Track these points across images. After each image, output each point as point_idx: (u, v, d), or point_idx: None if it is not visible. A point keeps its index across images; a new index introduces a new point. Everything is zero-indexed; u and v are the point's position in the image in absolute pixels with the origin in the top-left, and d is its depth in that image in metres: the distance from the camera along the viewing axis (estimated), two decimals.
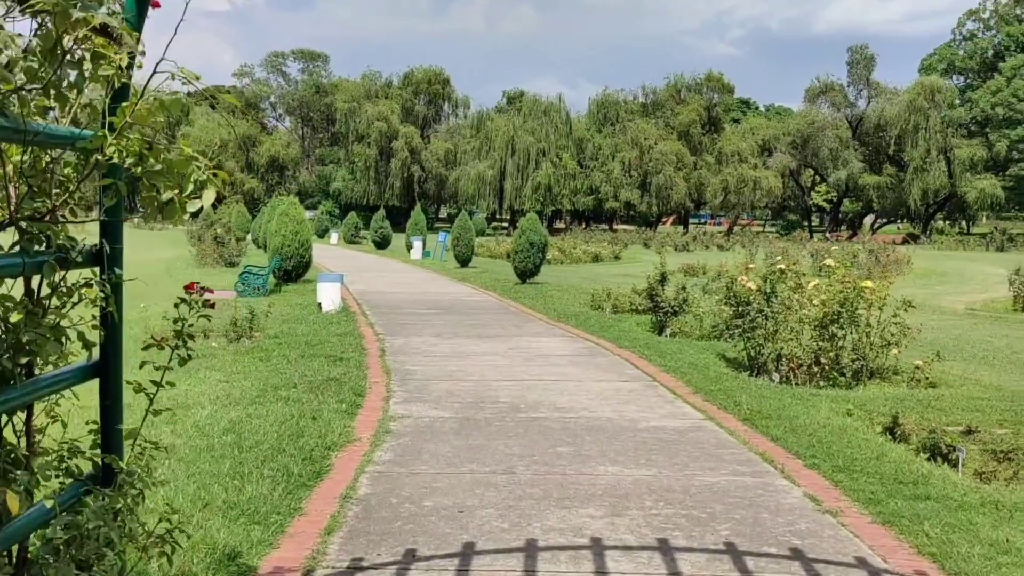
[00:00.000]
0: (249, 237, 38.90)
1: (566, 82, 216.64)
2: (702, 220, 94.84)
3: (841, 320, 9.38)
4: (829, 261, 10.25)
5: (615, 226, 72.94)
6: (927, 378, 9.42)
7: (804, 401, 8.00)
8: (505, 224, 78.19)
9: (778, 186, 64.56)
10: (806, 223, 74.41)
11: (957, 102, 62.80)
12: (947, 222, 78.88)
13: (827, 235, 68.69)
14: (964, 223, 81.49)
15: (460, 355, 10.39)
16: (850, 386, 9.25)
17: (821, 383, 9.27)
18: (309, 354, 9.79)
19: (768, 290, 10.21)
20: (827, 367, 9.39)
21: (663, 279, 13.56)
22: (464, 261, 27.08)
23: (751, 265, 11.73)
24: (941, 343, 12.23)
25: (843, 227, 76.33)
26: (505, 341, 11.70)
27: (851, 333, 9.53)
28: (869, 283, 9.52)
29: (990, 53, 66.16)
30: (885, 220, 74.36)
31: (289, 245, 18.92)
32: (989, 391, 8.99)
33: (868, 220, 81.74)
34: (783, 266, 10.29)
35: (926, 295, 20.92)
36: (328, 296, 14.16)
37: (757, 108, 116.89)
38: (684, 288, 13.48)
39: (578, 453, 6.04)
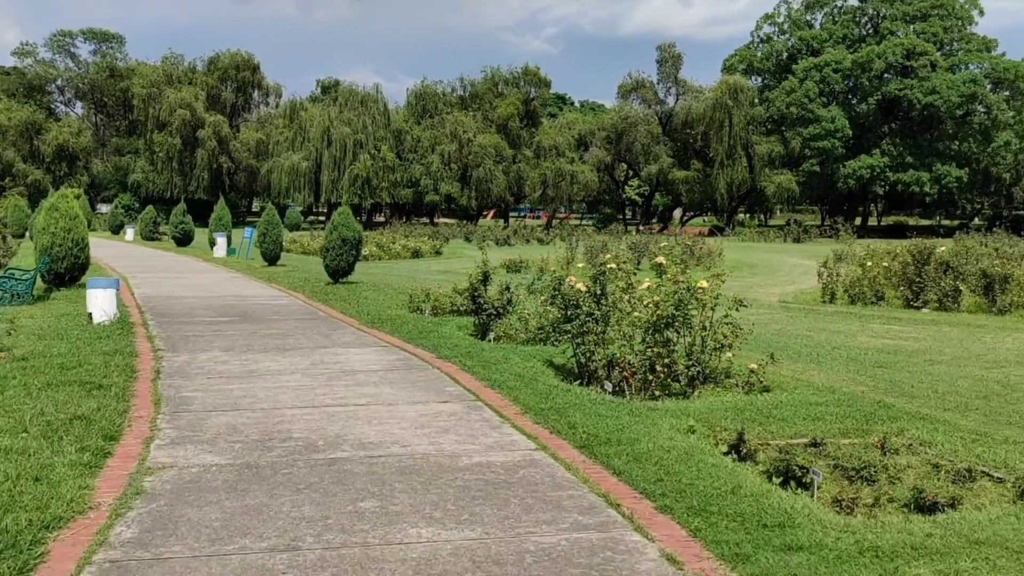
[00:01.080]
0: (28, 235, 34.90)
1: (383, 74, 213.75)
2: (522, 213, 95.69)
3: (676, 323, 8.70)
4: (661, 259, 9.55)
5: (436, 220, 71.95)
6: (761, 382, 8.93)
7: (642, 418, 7.18)
8: (322, 218, 75.36)
9: (594, 180, 65.80)
10: (621, 216, 76.39)
11: (757, 101, 66.24)
12: (748, 215, 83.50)
13: (640, 228, 70.85)
14: (763, 215, 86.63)
15: (252, 375, 8.89)
16: (686, 394, 8.59)
17: (656, 392, 8.56)
18: (60, 381, 7.99)
19: (598, 291, 9.42)
20: (662, 374, 8.69)
21: (485, 279, 12.56)
22: (272, 259, 25.13)
23: (581, 265, 10.92)
24: (765, 340, 11.98)
25: (655, 220, 79.07)
26: (308, 355, 10.29)
27: (686, 337, 8.88)
28: (704, 283, 8.87)
29: (785, 56, 70.31)
30: (693, 213, 77.61)
31: (60, 244, 16.46)
32: (824, 394, 8.57)
33: (677, 213, 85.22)
34: (613, 265, 9.52)
35: (740, 287, 21.17)
36: (100, 304, 12.13)
37: (573, 104, 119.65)
38: (508, 288, 12.53)
39: (385, 510, 4.84)
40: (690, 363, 8.74)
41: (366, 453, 5.97)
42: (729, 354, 9.12)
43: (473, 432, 6.65)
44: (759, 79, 71.87)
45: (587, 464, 5.82)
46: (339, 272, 19.09)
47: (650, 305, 8.87)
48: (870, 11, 68.91)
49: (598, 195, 73.05)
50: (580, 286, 9.39)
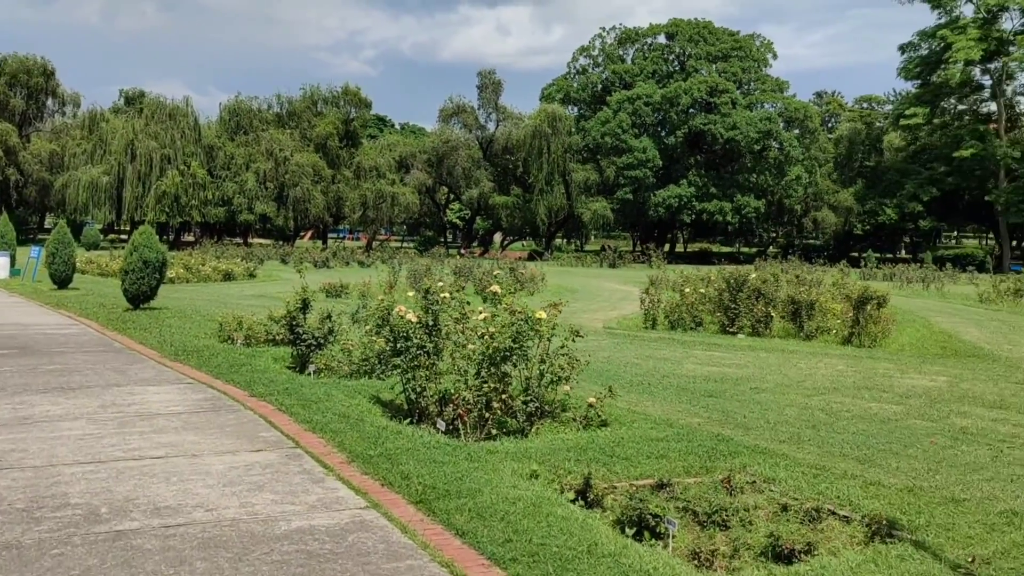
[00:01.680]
0: None
1: (194, 87, 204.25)
2: (341, 235, 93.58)
3: (514, 357, 8.19)
4: (495, 288, 9.05)
5: (250, 240, 68.85)
6: (599, 416, 8.60)
7: (482, 463, 6.60)
8: (124, 236, 70.27)
9: (416, 202, 65.27)
10: (442, 239, 76.23)
11: (574, 130, 68.13)
12: (565, 239, 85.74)
13: (461, 251, 70.96)
14: (579, 241, 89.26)
15: (25, 422, 7.57)
16: (524, 431, 8.10)
17: (493, 430, 8.01)
18: None
19: (430, 322, 8.79)
20: (499, 411, 8.15)
21: (305, 305, 11.61)
22: (62, 282, 22.72)
23: (411, 294, 10.26)
24: (596, 369, 11.77)
25: (475, 243, 79.53)
26: (99, 395, 8.98)
27: (523, 370, 8.40)
28: (542, 313, 8.43)
29: (599, 87, 72.93)
30: (513, 237, 78.65)
31: None
32: (663, 428, 8.34)
33: (498, 237, 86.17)
34: (447, 294, 8.93)
35: (564, 313, 21.20)
36: None
37: (393, 126, 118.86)
38: (330, 317, 11.63)
39: None
40: (528, 398, 8.26)
41: (161, 522, 5.01)
42: (566, 387, 8.73)
43: (292, 488, 5.80)
44: (575, 109, 74.11)
45: (426, 524, 5.15)
46: (140, 297, 17.35)
47: (486, 337, 8.34)
48: (677, 49, 72.77)
49: (419, 217, 72.58)
50: (411, 316, 8.72)
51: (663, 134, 66.99)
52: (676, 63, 72.94)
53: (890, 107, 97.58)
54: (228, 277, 30.25)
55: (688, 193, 64.26)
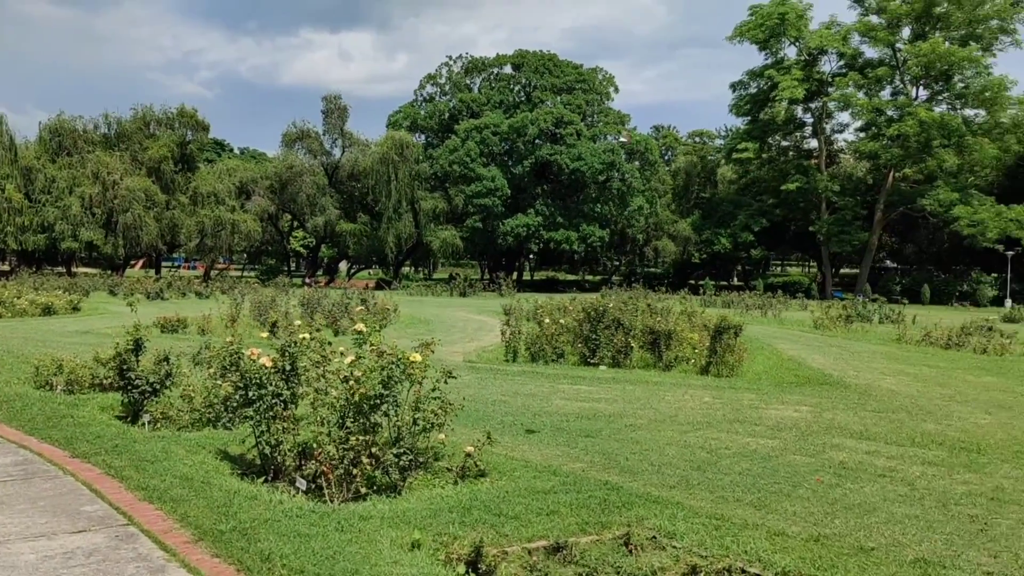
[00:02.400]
0: None
1: (10, 106, 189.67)
2: (176, 263, 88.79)
3: (385, 405, 7.36)
4: (360, 326, 8.17)
5: (75, 269, 63.84)
6: (477, 465, 7.90)
7: (355, 534, 5.74)
8: None
9: (258, 230, 62.60)
10: (286, 268, 73.58)
11: (422, 158, 67.55)
12: (413, 268, 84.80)
13: (306, 280, 68.64)
14: (427, 269, 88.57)
15: None
16: (397, 488, 7.28)
17: (362, 488, 7.14)
18: None
19: (287, 367, 7.83)
20: (369, 466, 7.29)
21: (138, 346, 10.28)
22: None
23: (264, 335, 9.27)
24: (463, 408, 11.08)
25: (321, 272, 77.27)
26: None
27: (395, 418, 7.57)
28: (416, 356, 7.64)
29: (447, 116, 72.84)
30: (360, 266, 76.96)
31: None
32: (547, 477, 7.73)
33: (343, 265, 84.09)
34: (306, 335, 7.99)
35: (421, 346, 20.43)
36: None
37: (232, 150, 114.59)
38: (167, 359, 10.36)
39: None
40: (400, 450, 7.44)
41: None
42: (441, 435, 7.97)
43: None
44: (423, 137, 73.66)
45: None
46: None
47: (351, 383, 7.46)
48: (523, 80, 73.79)
49: (261, 246, 69.71)
50: (265, 361, 7.73)
51: (511, 163, 67.50)
52: (522, 94, 73.92)
53: (721, 141, 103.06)
54: (48, 311, 27.48)
55: (536, 222, 64.90)
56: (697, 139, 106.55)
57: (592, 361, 18.15)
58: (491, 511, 6.46)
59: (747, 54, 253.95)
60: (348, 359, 7.47)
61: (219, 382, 9.55)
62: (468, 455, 7.86)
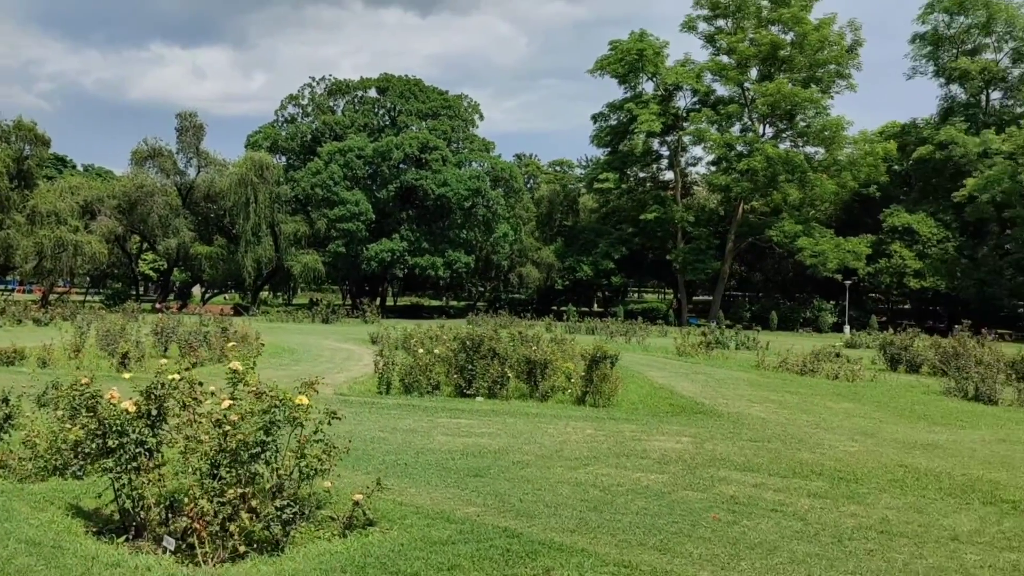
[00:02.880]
0: None
1: None
2: (9, 287, 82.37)
3: (267, 452, 6.71)
4: (236, 364, 7.47)
5: None
6: (365, 514, 7.34)
7: None
8: None
9: (103, 252, 58.80)
10: (134, 292, 69.53)
11: (283, 180, 65.56)
12: (272, 293, 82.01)
13: (157, 305, 65.07)
14: (287, 294, 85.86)
15: None
16: (279, 544, 6.62)
17: (241, 546, 6.44)
18: None
19: (154, 411, 7.04)
20: (248, 520, 6.60)
21: None
22: None
23: (128, 375, 8.40)
24: (340, 446, 10.42)
25: (172, 297, 73.50)
26: None
27: (277, 467, 6.91)
28: (303, 399, 7.01)
29: (309, 137, 71.12)
30: (216, 290, 73.71)
31: None
32: (441, 525, 7.25)
33: (197, 290, 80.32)
34: (176, 375, 7.22)
35: (289, 377, 19.43)
36: None
37: (75, 167, 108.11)
38: (7, 400, 9.22)
39: None
40: (284, 502, 6.78)
41: None
42: (326, 482, 7.35)
43: None
44: (284, 158, 71.60)
45: None
46: None
47: (226, 427, 6.75)
48: (388, 104, 73.11)
49: (107, 268, 65.56)
50: (127, 405, 6.91)
51: (375, 188, 66.49)
52: (387, 118, 73.17)
53: (581, 171, 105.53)
54: None
55: (401, 247, 64.08)
56: (558, 168, 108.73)
57: (468, 392, 17.75)
58: (387, 569, 5.94)
59: (604, 87, 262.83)
60: (225, 403, 6.76)
61: (68, 425, 8.55)
62: (356, 503, 7.29)
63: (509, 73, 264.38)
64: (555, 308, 79.64)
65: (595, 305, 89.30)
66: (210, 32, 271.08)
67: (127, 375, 9.58)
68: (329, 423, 7.35)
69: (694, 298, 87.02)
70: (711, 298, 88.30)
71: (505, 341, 18.76)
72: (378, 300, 69.49)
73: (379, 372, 18.07)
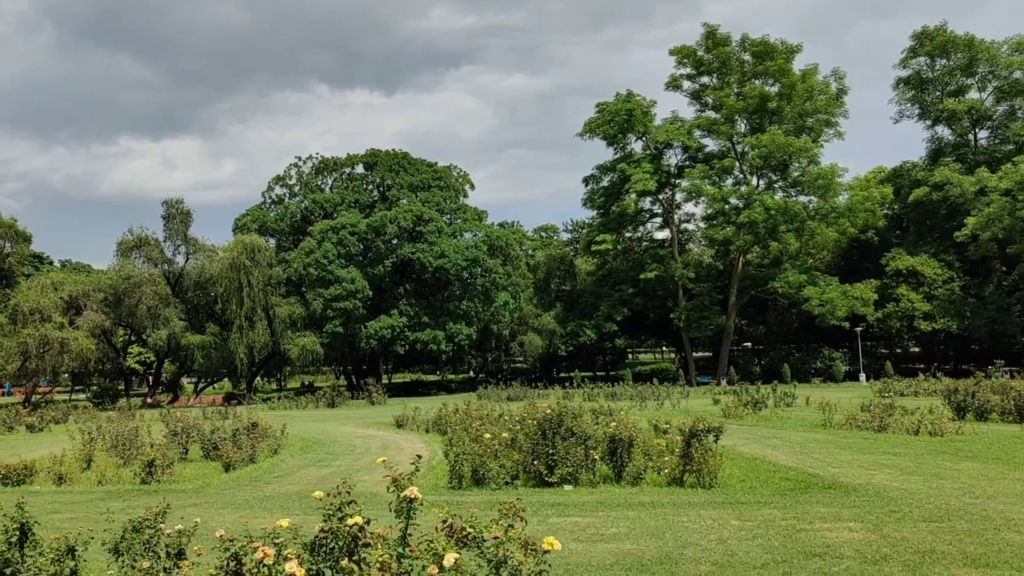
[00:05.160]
0: None
1: None
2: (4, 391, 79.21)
3: None
4: (414, 492, 5.44)
5: None
6: None
7: None
8: None
9: (91, 348, 56.20)
10: (122, 387, 66.58)
11: (274, 262, 63.59)
12: (264, 379, 79.22)
13: (147, 400, 62.22)
14: (280, 379, 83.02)
15: None
16: None
17: None
18: None
19: None
20: None
21: (24, 535, 6.95)
22: None
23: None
24: None
25: (160, 390, 70.56)
26: None
27: None
28: (555, 542, 4.98)
29: (299, 217, 69.41)
30: (209, 380, 70.91)
31: None
32: None
33: (185, 380, 77.31)
34: (359, 519, 5.20)
35: (337, 475, 17.20)
36: None
37: (52, 263, 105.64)
38: (73, 551, 7.04)
39: None
40: None
41: None
42: None
43: None
44: (274, 240, 69.73)
45: None
46: None
47: None
48: (377, 179, 71.81)
49: (94, 364, 62.75)
50: (292, 567, 4.81)
51: (370, 264, 64.63)
52: (376, 192, 71.76)
53: (568, 235, 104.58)
54: None
55: (401, 323, 61.93)
56: (544, 234, 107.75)
57: (550, 480, 15.60)
58: None
59: (575, 153, 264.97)
60: (452, 558, 4.70)
61: None
62: None
63: (477, 145, 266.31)
64: (558, 375, 77.44)
65: (597, 369, 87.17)
66: (178, 124, 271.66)
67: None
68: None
69: (694, 355, 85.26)
70: (709, 354, 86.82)
71: (586, 418, 16.70)
72: (383, 379, 66.97)
73: (451, 464, 15.84)
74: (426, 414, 30.05)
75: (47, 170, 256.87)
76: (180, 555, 7.29)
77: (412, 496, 5.15)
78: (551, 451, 15.78)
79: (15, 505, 7.06)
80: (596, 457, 15.82)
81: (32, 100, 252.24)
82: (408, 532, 5.53)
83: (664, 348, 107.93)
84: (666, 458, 15.97)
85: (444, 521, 5.20)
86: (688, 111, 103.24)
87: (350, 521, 5.02)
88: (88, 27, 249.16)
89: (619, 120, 71.59)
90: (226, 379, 72.19)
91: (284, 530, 5.30)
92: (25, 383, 62.21)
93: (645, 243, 78.14)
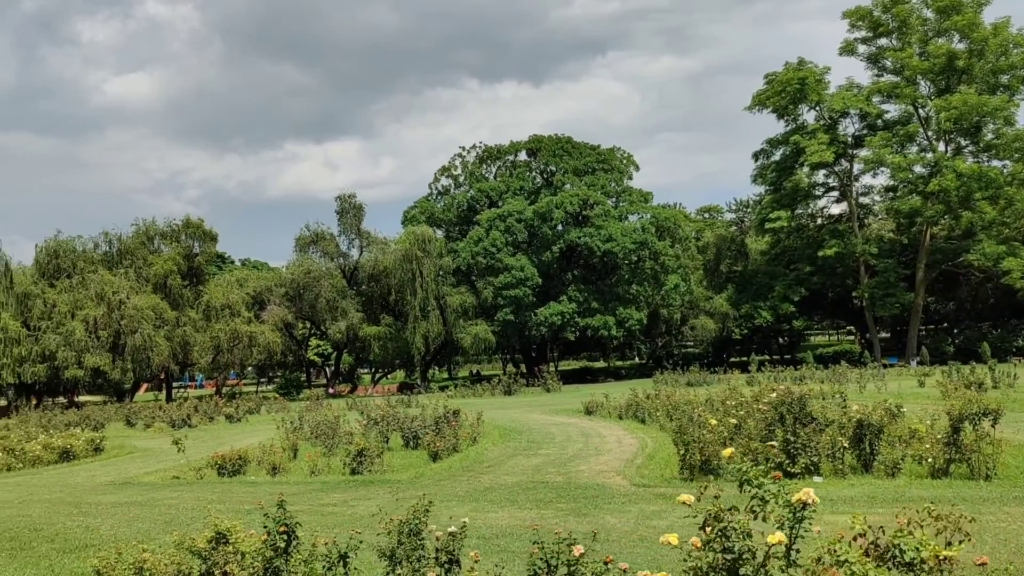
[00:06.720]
0: None
1: None
2: (182, 383, 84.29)
3: None
4: (809, 495, 4.11)
5: (78, 399, 59.33)
6: None
7: None
8: None
9: (277, 341, 58.48)
10: (305, 379, 69.18)
11: (444, 252, 64.15)
12: (439, 368, 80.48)
13: (329, 390, 64.17)
14: (449, 368, 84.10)
15: None
16: None
17: None
18: None
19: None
20: None
21: (289, 540, 6.10)
22: None
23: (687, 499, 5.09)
24: None
25: (339, 380, 72.81)
26: None
27: None
28: None
29: (466, 207, 69.75)
30: (385, 370, 72.60)
31: None
32: None
33: (363, 371, 79.52)
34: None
35: (551, 464, 16.19)
36: None
37: (233, 262, 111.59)
38: (345, 559, 6.14)
39: None
40: None
41: None
42: None
43: None
44: (442, 230, 70.43)
45: None
46: None
47: None
48: (540, 165, 71.14)
49: (279, 357, 65.41)
50: None
51: (537, 251, 64.02)
52: (540, 179, 71.11)
53: (732, 215, 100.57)
54: (67, 456, 23.02)
55: (570, 309, 60.99)
56: (707, 214, 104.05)
57: (793, 471, 13.90)
58: None
59: (725, 133, 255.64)
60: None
61: None
62: None
63: (626, 131, 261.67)
64: (729, 359, 74.35)
65: (773, 353, 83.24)
66: (339, 127, 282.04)
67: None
68: None
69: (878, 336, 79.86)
70: (888, 335, 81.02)
71: (815, 403, 14.92)
72: (552, 366, 66.36)
73: (681, 453, 14.46)
74: (614, 400, 28.83)
75: (222, 177, 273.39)
76: (454, 561, 6.29)
77: (807, 500, 3.81)
78: (792, 438, 14.11)
79: (276, 504, 6.25)
80: (845, 444, 14.05)
81: (206, 112, 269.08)
82: (794, 545, 4.21)
83: (837, 330, 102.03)
84: (927, 446, 13.98)
85: (861, 533, 3.82)
86: (864, 77, 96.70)
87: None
88: (252, 39, 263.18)
89: (791, 90, 67.65)
90: (401, 368, 73.65)
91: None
92: (216, 375, 65.71)
93: (820, 219, 73.77)
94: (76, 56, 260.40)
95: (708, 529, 4.16)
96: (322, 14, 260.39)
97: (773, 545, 3.95)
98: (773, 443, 14.35)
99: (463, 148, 74.12)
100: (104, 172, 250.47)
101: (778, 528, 4.16)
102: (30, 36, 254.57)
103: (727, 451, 5.44)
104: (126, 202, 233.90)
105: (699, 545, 4.14)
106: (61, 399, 59.03)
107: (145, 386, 71.02)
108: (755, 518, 4.45)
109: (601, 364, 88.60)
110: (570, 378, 67.93)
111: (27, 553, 9.92)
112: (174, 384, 68.45)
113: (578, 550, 4.75)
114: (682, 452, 14.38)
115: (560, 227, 63.96)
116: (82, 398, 60.96)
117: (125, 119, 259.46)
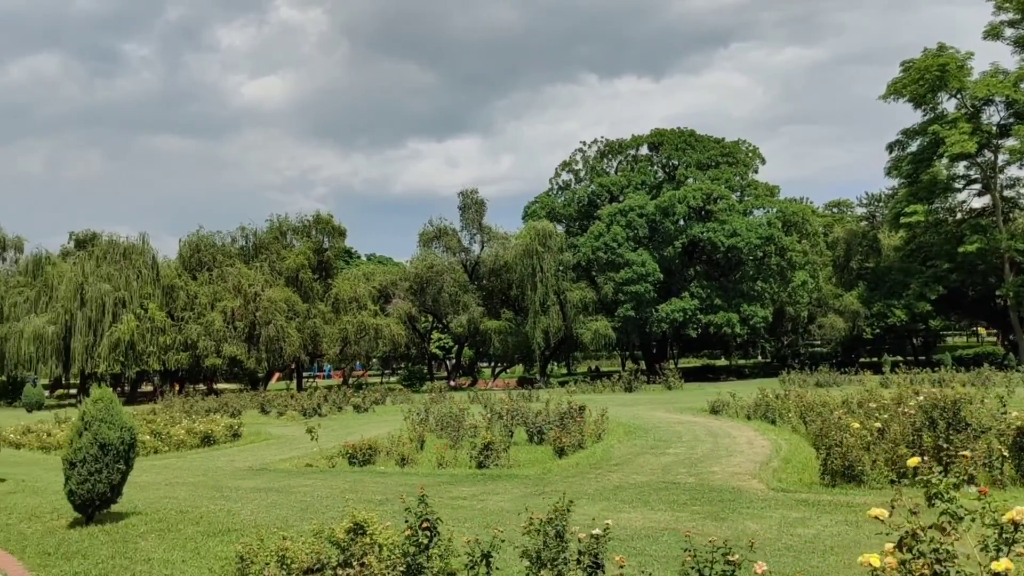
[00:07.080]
0: None
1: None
2: (312, 373, 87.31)
3: None
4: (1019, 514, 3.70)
5: (215, 386, 62.36)
6: None
7: None
8: (74, 391, 63.44)
9: (402, 334, 59.78)
10: (428, 371, 70.48)
11: (564, 247, 63.98)
12: (558, 363, 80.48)
13: (450, 383, 65.14)
14: (568, 364, 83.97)
15: None
16: None
17: None
18: None
19: None
20: None
21: (432, 534, 6.03)
22: None
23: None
24: None
25: (460, 373, 73.82)
26: None
27: None
28: None
29: (586, 202, 69.37)
30: (505, 365, 73.16)
31: None
32: None
33: (483, 365, 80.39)
34: None
35: (681, 464, 15.75)
36: None
37: (360, 257, 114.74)
38: (488, 558, 6.04)
39: None
40: None
41: None
42: None
43: None
44: (562, 225, 70.26)
45: None
46: (94, 502, 11.41)
47: None
48: (662, 159, 70.00)
49: (403, 350, 66.89)
50: None
51: (658, 246, 63.02)
52: (662, 173, 69.97)
53: (862, 209, 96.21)
54: (207, 441, 24.10)
55: (692, 306, 59.76)
56: (836, 209, 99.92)
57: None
58: None
59: (850, 125, 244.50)
60: None
61: None
62: None
63: (748, 124, 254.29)
64: (864, 359, 71.18)
65: (907, 354, 79.27)
66: (460, 124, 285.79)
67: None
68: None
69: (1009, 338, 74.86)
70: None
71: (978, 406, 13.95)
72: (673, 363, 65.27)
73: (822, 457, 13.78)
74: (741, 400, 27.96)
75: (348, 175, 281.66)
76: (598, 566, 6.07)
77: (1021, 520, 3.39)
78: (945, 444, 13.24)
79: (417, 499, 6.19)
80: (1004, 453, 13.08)
81: (333, 112, 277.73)
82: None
83: (975, 331, 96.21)
84: None
85: None
86: (1010, 62, 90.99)
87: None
88: (377, 40, 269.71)
89: (930, 77, 63.99)
90: (521, 363, 74.03)
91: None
92: (343, 366, 67.78)
93: (959, 213, 69.63)
94: (215, 61, 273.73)
95: (904, 549, 3.81)
96: (445, 14, 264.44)
97: (998, 573, 3.55)
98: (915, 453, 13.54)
99: (584, 143, 73.87)
100: (241, 171, 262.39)
101: (980, 549, 3.76)
102: (174, 44, 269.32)
103: (913, 460, 5.00)
104: (260, 199, 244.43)
105: (895, 565, 3.78)
106: (201, 386, 62.14)
107: (277, 375, 73.93)
108: (943, 535, 4.06)
109: (723, 362, 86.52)
110: (691, 376, 66.61)
111: (174, 535, 10.32)
112: (304, 374, 70.95)
113: (759, 567, 4.43)
114: (823, 456, 13.69)
115: (682, 222, 62.76)
116: (220, 386, 64.05)
117: (260, 120, 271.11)
